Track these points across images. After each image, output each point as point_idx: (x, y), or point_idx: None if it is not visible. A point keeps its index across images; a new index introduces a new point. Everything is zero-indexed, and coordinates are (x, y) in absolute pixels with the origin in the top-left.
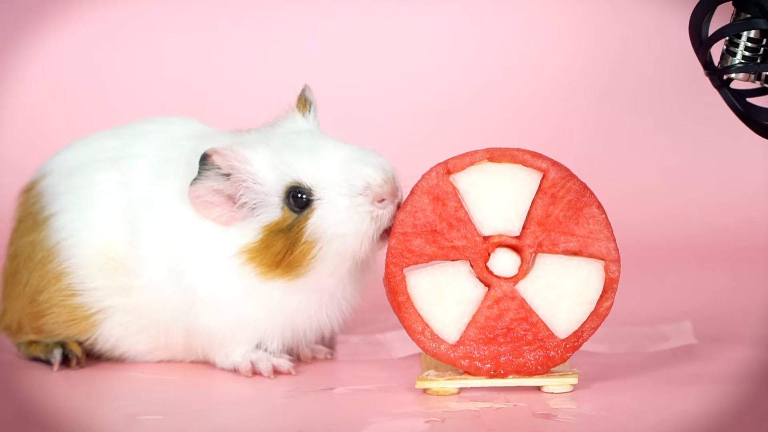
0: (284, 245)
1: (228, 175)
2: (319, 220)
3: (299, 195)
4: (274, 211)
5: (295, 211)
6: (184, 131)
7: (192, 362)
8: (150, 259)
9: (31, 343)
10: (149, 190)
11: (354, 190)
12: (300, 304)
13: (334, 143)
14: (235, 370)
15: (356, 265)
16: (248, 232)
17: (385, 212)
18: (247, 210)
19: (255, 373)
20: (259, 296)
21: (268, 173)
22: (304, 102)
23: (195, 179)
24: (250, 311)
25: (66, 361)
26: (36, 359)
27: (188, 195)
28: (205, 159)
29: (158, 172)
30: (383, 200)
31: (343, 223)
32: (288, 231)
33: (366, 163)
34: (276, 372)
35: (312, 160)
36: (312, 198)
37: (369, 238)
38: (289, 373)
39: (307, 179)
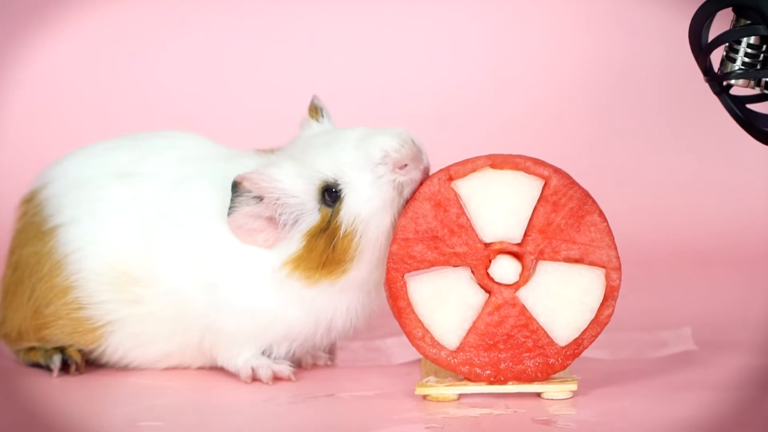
0: (326, 244)
1: (260, 197)
2: (350, 206)
3: (332, 190)
4: (312, 215)
5: (330, 207)
6: (199, 150)
7: (194, 369)
8: (170, 270)
9: (30, 349)
10: (167, 205)
11: (373, 162)
12: (349, 304)
13: (348, 130)
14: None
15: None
16: (291, 243)
17: (407, 179)
18: (290, 226)
19: (255, 379)
20: (302, 303)
21: (297, 184)
22: (315, 109)
23: (230, 208)
24: (289, 317)
25: (65, 367)
26: (35, 365)
27: (229, 226)
28: (236, 186)
29: (175, 188)
30: (405, 166)
31: (372, 200)
32: (327, 229)
33: (380, 133)
34: (276, 378)
35: (330, 152)
36: (341, 187)
37: (397, 208)
38: (289, 380)
39: (330, 172)
